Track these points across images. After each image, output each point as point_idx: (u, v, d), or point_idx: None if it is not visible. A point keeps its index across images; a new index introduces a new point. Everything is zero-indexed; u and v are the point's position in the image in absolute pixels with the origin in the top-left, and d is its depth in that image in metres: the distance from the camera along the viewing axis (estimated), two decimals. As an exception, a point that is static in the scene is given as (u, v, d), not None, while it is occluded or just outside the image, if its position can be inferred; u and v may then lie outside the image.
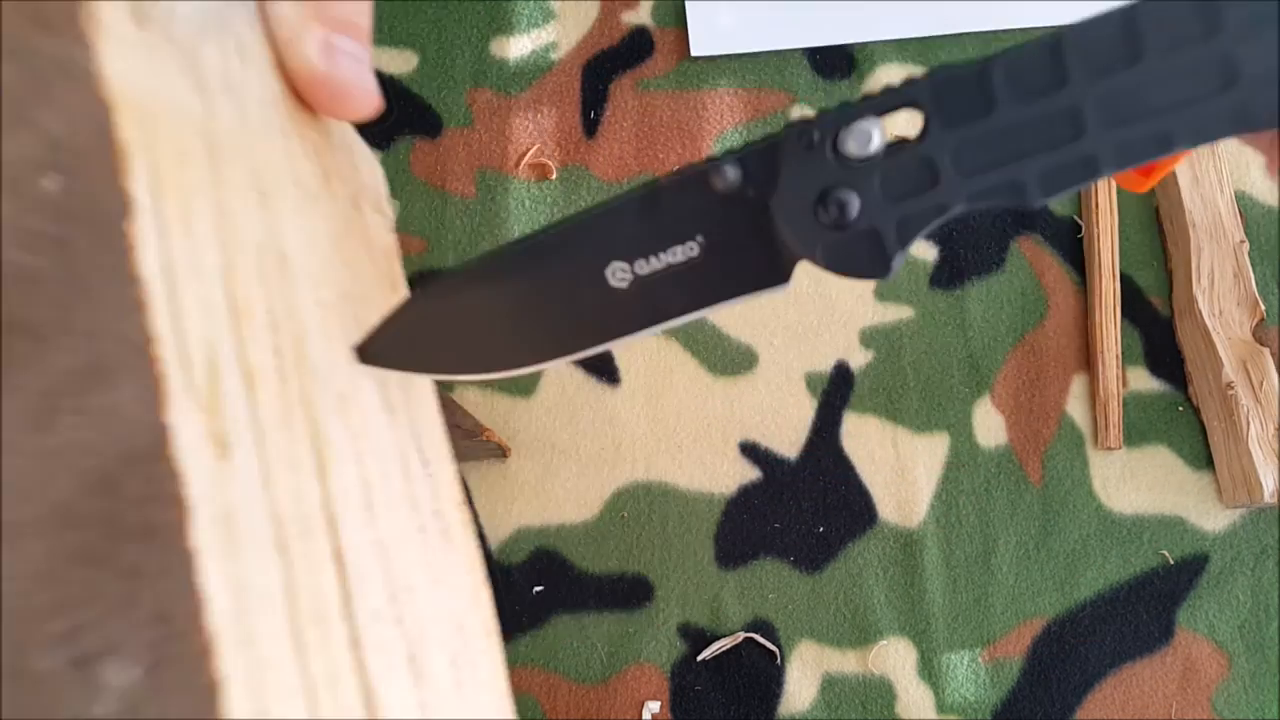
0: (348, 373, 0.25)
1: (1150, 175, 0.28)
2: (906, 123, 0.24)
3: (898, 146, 0.23)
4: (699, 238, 0.24)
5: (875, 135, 0.22)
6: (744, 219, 0.24)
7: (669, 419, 0.55)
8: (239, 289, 0.21)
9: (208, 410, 0.19)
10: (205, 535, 0.18)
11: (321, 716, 0.20)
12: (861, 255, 0.24)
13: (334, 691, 0.20)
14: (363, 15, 0.26)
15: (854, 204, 0.23)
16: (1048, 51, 0.22)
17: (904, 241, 0.23)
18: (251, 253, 0.22)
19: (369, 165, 0.31)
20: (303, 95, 0.26)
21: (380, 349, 0.26)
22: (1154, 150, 0.21)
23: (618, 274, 0.24)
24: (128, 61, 0.20)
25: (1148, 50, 0.21)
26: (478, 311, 0.25)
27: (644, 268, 0.24)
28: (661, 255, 0.24)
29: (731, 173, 0.24)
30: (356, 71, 0.25)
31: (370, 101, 0.26)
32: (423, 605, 0.24)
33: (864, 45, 0.59)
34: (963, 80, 0.22)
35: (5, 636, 0.17)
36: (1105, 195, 0.56)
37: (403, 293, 0.29)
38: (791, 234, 0.24)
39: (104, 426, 0.18)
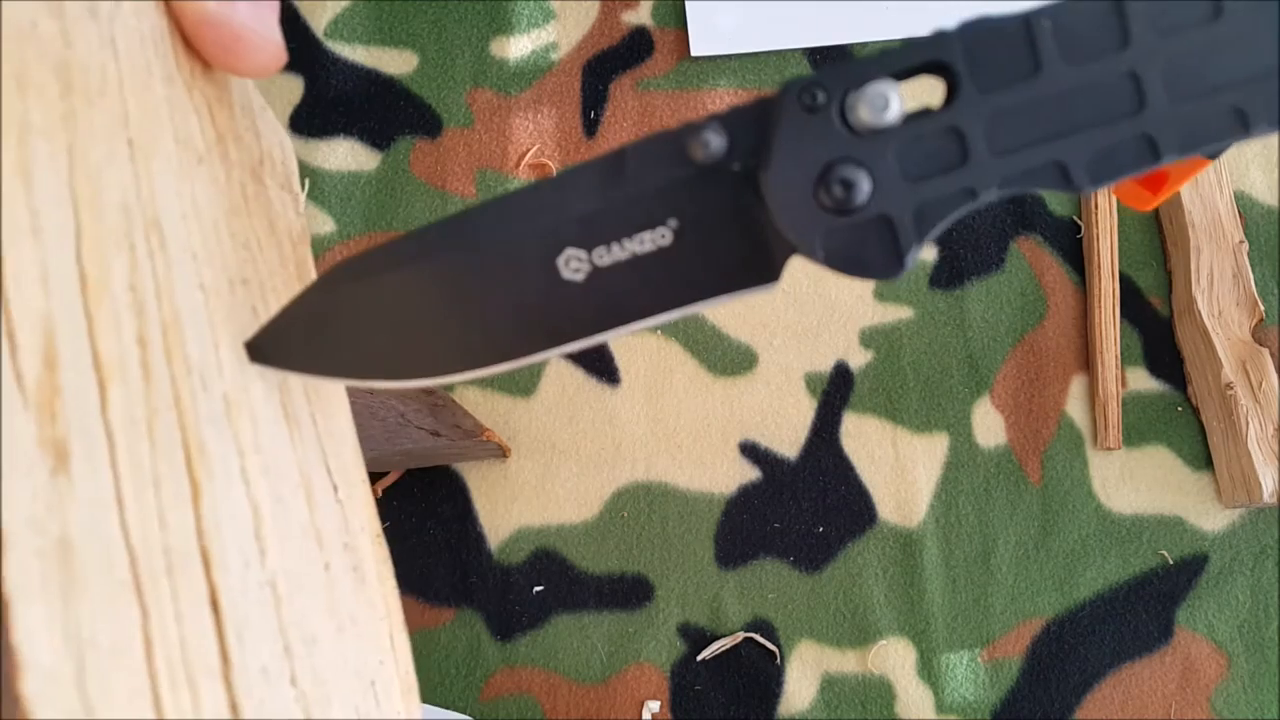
0: (236, 373, 0.20)
1: (1159, 191, 0.25)
2: (927, 90, 0.21)
3: (919, 116, 0.19)
4: (672, 221, 0.20)
5: (893, 100, 0.18)
6: (727, 199, 0.19)
7: (669, 419, 0.55)
8: (92, 258, 0.17)
9: (38, 407, 0.15)
10: (26, 572, 0.14)
11: None
12: (870, 248, 0.19)
13: None
14: None
15: (864, 184, 0.18)
16: (1109, 2, 0.17)
17: (922, 233, 0.19)
18: (114, 215, 0.18)
19: (275, 135, 0.26)
20: (191, 40, 0.21)
21: (276, 346, 0.21)
22: (1227, 132, 0.18)
23: (571, 264, 0.20)
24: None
25: (1228, 6, 0.17)
26: (395, 304, 0.20)
27: (604, 257, 0.20)
28: (625, 242, 0.20)
29: (714, 140, 0.19)
30: (256, 16, 0.21)
31: (270, 53, 0.21)
32: (325, 660, 0.20)
33: (864, 45, 0.59)
34: (1002, 35, 0.18)
35: None
36: (1105, 195, 0.56)
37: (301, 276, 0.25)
38: (785, 219, 0.19)
39: None
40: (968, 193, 0.18)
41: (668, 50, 0.59)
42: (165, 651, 0.16)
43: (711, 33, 0.59)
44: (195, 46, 0.21)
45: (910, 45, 0.18)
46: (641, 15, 0.60)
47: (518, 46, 0.59)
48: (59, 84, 0.17)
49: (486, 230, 0.20)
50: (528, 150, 0.58)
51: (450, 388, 0.55)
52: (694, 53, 0.59)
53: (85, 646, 0.14)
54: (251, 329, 0.21)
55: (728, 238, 0.20)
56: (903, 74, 0.19)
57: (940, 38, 0.18)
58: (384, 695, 0.22)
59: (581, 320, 0.20)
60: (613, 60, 0.59)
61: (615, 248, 0.20)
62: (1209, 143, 0.18)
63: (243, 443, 0.19)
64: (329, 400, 0.24)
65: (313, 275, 0.25)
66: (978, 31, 0.18)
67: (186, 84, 0.21)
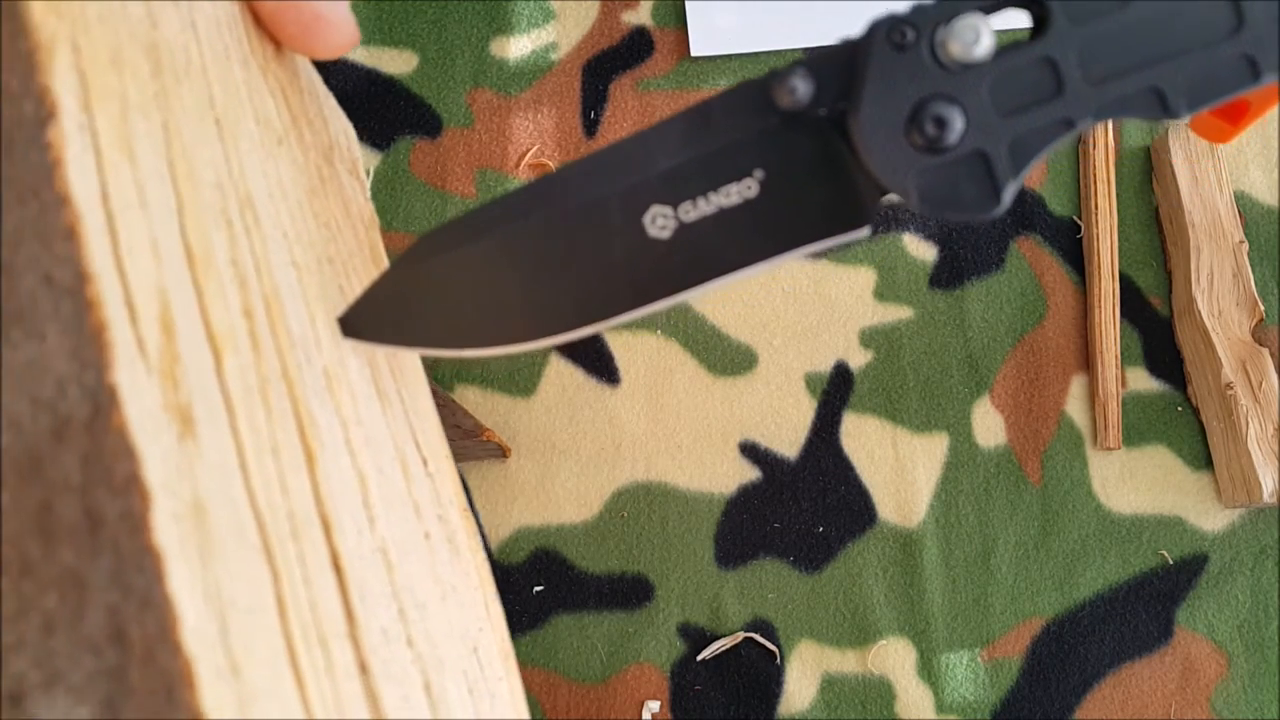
0: (333, 348, 0.20)
1: (1239, 122, 0.25)
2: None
3: (1011, 49, 0.18)
4: (758, 172, 0.19)
5: (984, 33, 0.18)
6: (814, 145, 0.19)
7: (669, 419, 0.55)
8: (195, 232, 0.17)
9: (161, 374, 0.15)
10: (170, 532, 0.14)
11: None
12: (965, 186, 0.19)
13: None
14: None
15: (957, 121, 0.18)
16: None
17: (1018, 166, 0.19)
18: (210, 192, 0.18)
19: (340, 121, 0.27)
20: (269, 21, 0.21)
21: (367, 321, 0.21)
22: None
23: (658, 221, 0.20)
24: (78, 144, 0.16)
25: None
26: (482, 273, 0.20)
27: (690, 212, 0.20)
28: (712, 196, 0.20)
29: (801, 86, 0.19)
30: (329, 7, 0.22)
31: (347, 33, 0.22)
32: (434, 625, 0.20)
33: (864, 45, 0.59)
34: None
35: None
36: (1105, 195, 0.56)
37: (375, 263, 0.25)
38: (876, 162, 0.19)
39: (26, 389, 0.13)
40: (1065, 123, 0.18)
41: (668, 50, 0.59)
42: (297, 613, 0.16)
43: (711, 33, 0.59)
44: (272, 28, 0.22)
45: None
46: (641, 15, 0.60)
47: (518, 46, 0.59)
48: (149, 63, 0.18)
49: (570, 193, 0.20)
50: (528, 150, 0.58)
51: (450, 388, 0.55)
52: (694, 53, 0.59)
53: (226, 607, 0.14)
54: (340, 306, 0.21)
55: (815, 185, 0.19)
56: (991, 7, 0.18)
57: None
58: (486, 660, 0.22)
59: (669, 277, 0.20)
60: (613, 60, 0.59)
61: (701, 202, 0.19)
62: None
63: (344, 414, 0.20)
64: (412, 379, 0.25)
65: (385, 259, 0.25)
66: None
67: (261, 67, 0.21)
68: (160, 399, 0.15)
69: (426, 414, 0.25)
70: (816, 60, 0.19)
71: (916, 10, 0.18)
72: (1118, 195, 0.57)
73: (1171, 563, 0.53)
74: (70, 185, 0.14)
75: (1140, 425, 0.55)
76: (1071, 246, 0.57)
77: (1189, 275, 0.54)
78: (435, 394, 0.51)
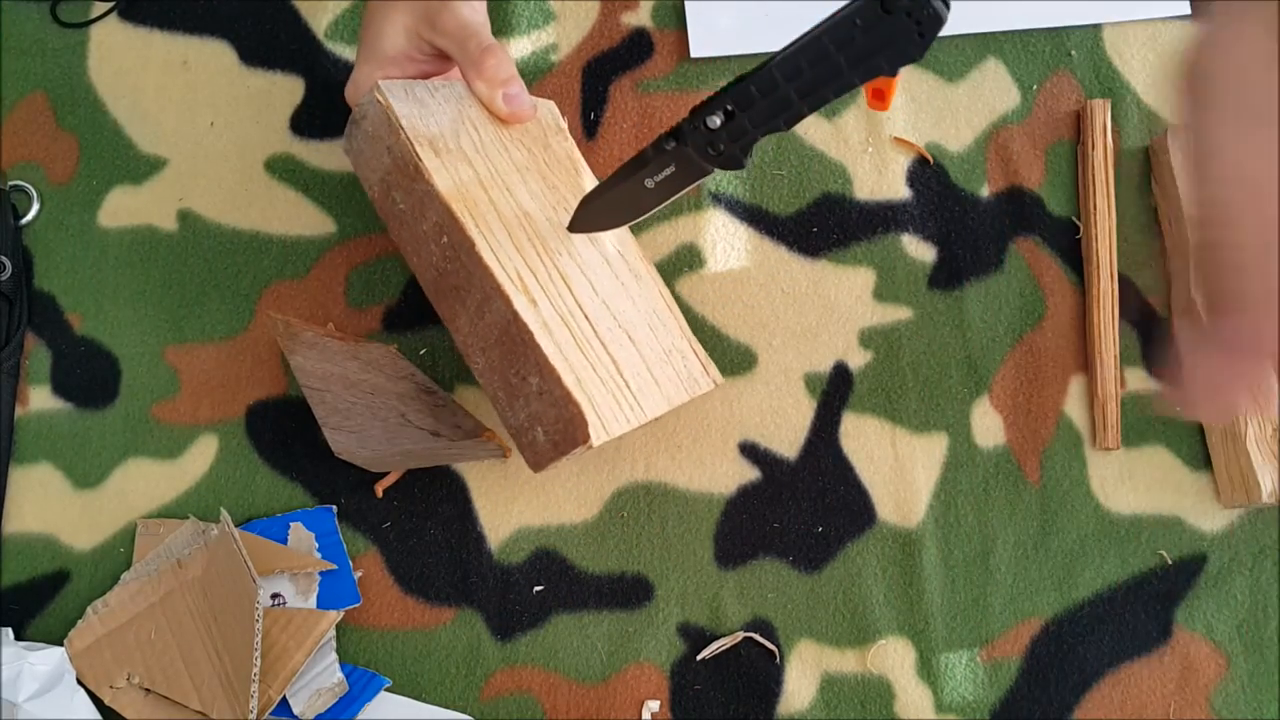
0: (569, 241, 0.48)
1: (884, 100, 0.41)
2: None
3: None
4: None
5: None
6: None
7: (669, 419, 0.55)
8: (520, 214, 0.47)
9: (523, 293, 0.44)
10: (549, 344, 0.44)
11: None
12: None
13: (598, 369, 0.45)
14: (510, 68, 0.49)
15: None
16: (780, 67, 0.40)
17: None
18: (522, 206, 0.48)
19: (544, 108, 0.54)
20: (503, 120, 0.50)
21: (578, 223, 0.48)
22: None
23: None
24: (442, 175, 0.45)
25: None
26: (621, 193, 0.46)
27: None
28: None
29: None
30: (524, 97, 0.50)
31: (532, 113, 0.50)
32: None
33: (863, 47, 0.59)
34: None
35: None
36: (1104, 196, 0.56)
37: (587, 185, 0.52)
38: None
39: (492, 329, 0.45)
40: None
41: (667, 52, 0.59)
42: (582, 346, 0.46)
43: (711, 34, 0.59)
44: (503, 121, 0.51)
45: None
46: (641, 17, 0.60)
47: (518, 48, 0.60)
48: (480, 183, 0.47)
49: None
50: (528, 151, 0.58)
51: (451, 388, 0.55)
52: (694, 54, 0.59)
53: (571, 361, 0.44)
54: (565, 219, 0.49)
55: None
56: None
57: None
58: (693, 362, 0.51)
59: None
60: (612, 61, 0.59)
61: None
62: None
63: (587, 276, 0.48)
64: (627, 239, 0.53)
65: (585, 188, 0.51)
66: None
67: (509, 134, 0.51)
68: (525, 300, 0.44)
69: (629, 242, 0.53)
70: None
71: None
72: (1117, 196, 0.57)
73: (1170, 563, 0.53)
74: (446, 198, 0.45)
75: (1139, 425, 0.55)
76: (1070, 247, 0.57)
77: (1188, 276, 0.54)
78: (435, 394, 0.51)
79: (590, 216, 0.47)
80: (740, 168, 0.43)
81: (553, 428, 0.43)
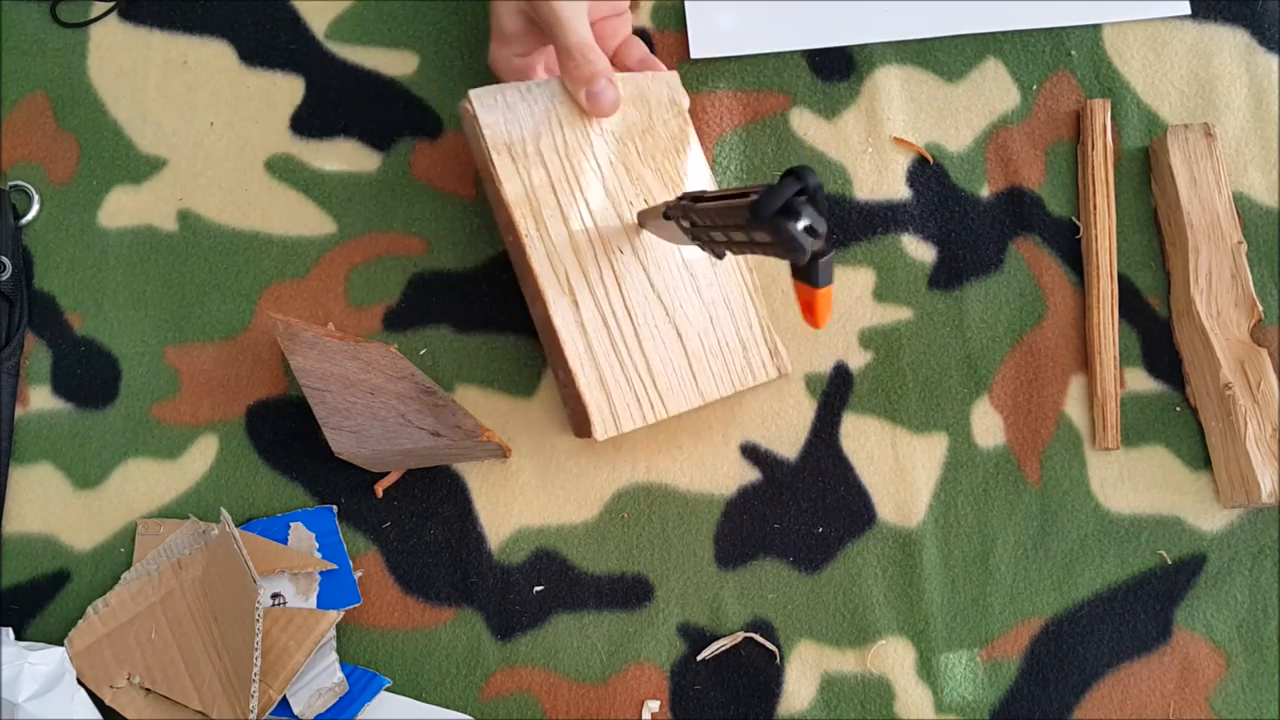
0: (630, 234, 0.51)
1: (813, 311, 0.38)
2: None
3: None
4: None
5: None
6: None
7: (669, 420, 0.55)
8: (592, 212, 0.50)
9: (567, 294, 0.48)
10: (577, 345, 0.48)
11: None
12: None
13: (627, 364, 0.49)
14: (593, 65, 0.49)
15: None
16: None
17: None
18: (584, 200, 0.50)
19: (656, 85, 0.53)
20: (590, 114, 0.51)
21: (644, 218, 0.50)
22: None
23: None
24: (512, 181, 0.49)
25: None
26: None
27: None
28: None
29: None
30: (606, 95, 0.50)
31: (613, 109, 0.50)
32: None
33: (863, 47, 0.59)
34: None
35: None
36: (1103, 196, 0.56)
37: (692, 163, 0.53)
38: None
39: (541, 320, 0.50)
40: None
41: (667, 52, 0.59)
42: (617, 342, 0.50)
43: (711, 35, 0.59)
44: (590, 113, 0.51)
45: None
46: (641, 17, 0.60)
47: (518, 48, 0.59)
48: (553, 188, 0.50)
49: None
50: (528, 151, 0.58)
51: (451, 388, 0.55)
52: (693, 55, 0.59)
53: (592, 352, 0.50)
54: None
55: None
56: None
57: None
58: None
59: None
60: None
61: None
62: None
63: (645, 269, 0.51)
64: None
65: (695, 150, 0.54)
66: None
67: (601, 126, 0.52)
68: (568, 300, 0.49)
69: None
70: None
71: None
72: (1116, 196, 0.57)
73: (1170, 563, 0.54)
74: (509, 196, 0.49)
75: (1139, 425, 0.55)
76: (1070, 247, 0.57)
77: (1187, 276, 0.54)
78: (435, 394, 0.51)
79: (651, 224, 0.49)
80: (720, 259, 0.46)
81: (574, 414, 0.51)
